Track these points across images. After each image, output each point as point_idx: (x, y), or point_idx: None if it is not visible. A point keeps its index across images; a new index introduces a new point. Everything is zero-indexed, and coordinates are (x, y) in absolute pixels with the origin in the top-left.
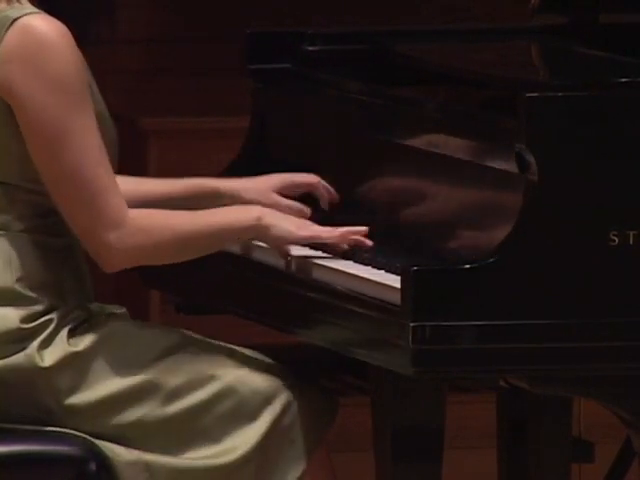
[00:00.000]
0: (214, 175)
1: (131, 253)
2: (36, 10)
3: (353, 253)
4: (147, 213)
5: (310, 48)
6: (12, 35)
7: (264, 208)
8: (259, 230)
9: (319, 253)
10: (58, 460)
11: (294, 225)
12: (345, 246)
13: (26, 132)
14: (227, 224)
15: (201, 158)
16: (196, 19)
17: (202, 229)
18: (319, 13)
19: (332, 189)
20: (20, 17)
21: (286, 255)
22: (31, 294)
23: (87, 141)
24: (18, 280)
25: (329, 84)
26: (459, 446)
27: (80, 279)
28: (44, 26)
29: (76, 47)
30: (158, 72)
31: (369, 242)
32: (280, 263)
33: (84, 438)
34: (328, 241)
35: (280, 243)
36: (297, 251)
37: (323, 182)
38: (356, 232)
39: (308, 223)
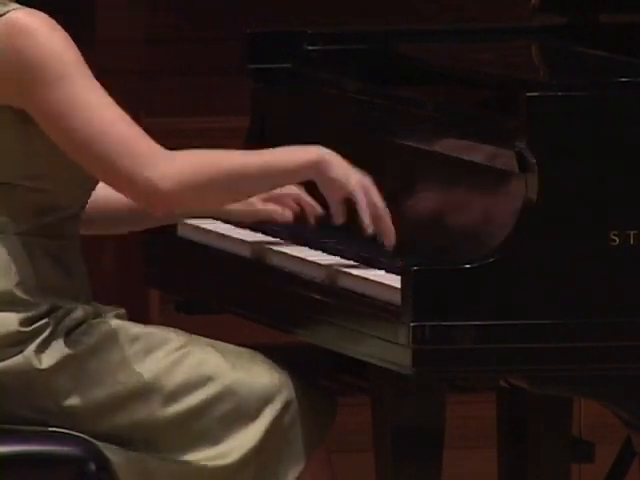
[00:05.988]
0: None
1: (181, 191)
2: (19, 6)
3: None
4: (189, 151)
5: (310, 48)
6: None
7: (325, 148)
8: (319, 167)
9: (319, 253)
10: (58, 460)
11: (355, 175)
12: (370, 230)
13: (37, 116)
14: (281, 163)
15: None
16: (196, 19)
17: (253, 167)
18: (319, 13)
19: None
20: (4, 14)
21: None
22: (30, 298)
23: (97, 100)
24: (18, 284)
25: (329, 84)
26: (459, 446)
27: (78, 280)
28: (26, 17)
29: (62, 30)
30: (158, 72)
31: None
32: (280, 263)
33: (84, 438)
34: (362, 212)
35: (336, 186)
36: (296, 250)
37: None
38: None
39: (367, 180)
